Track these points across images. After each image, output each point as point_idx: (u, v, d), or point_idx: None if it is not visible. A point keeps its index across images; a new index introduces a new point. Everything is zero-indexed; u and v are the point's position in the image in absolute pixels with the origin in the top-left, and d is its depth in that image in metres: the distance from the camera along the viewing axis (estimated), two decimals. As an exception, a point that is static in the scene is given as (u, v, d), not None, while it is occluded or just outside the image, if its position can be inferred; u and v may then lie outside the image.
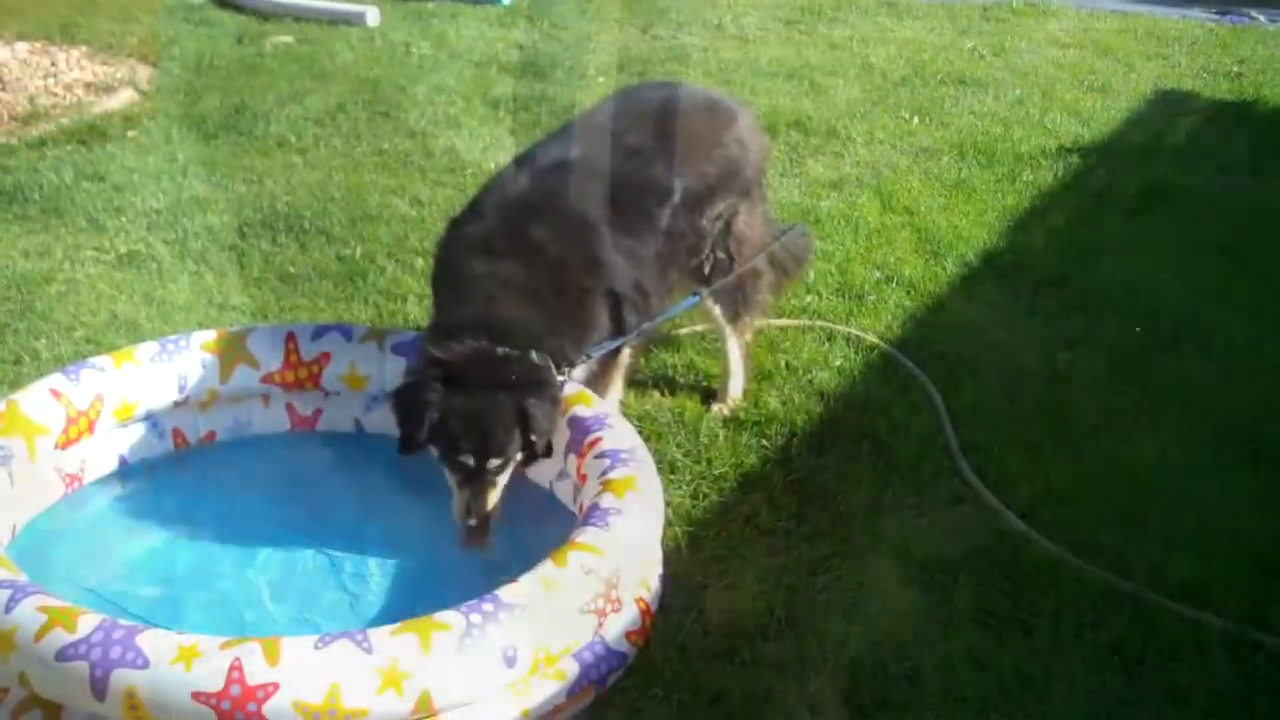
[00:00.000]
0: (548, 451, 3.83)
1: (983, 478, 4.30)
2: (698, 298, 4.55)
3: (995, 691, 3.40)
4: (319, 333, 4.27)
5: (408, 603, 3.45)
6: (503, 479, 3.78)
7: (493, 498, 3.75)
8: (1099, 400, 4.83)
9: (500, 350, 3.74)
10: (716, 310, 4.66)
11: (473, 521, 3.73)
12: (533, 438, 3.74)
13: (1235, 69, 9.72)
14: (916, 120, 8.05)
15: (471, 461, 3.70)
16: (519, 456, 3.78)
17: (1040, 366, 5.05)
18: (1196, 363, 5.15)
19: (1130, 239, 6.43)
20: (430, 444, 3.76)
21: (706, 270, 4.54)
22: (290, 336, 4.24)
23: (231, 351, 4.18)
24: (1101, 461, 4.45)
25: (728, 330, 4.71)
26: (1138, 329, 5.41)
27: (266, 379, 4.23)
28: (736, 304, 4.68)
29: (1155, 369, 5.08)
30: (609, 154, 4.25)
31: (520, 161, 4.28)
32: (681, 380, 4.94)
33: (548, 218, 4.03)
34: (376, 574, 3.74)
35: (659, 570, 3.68)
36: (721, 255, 4.53)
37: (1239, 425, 4.70)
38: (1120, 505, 4.20)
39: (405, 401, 3.79)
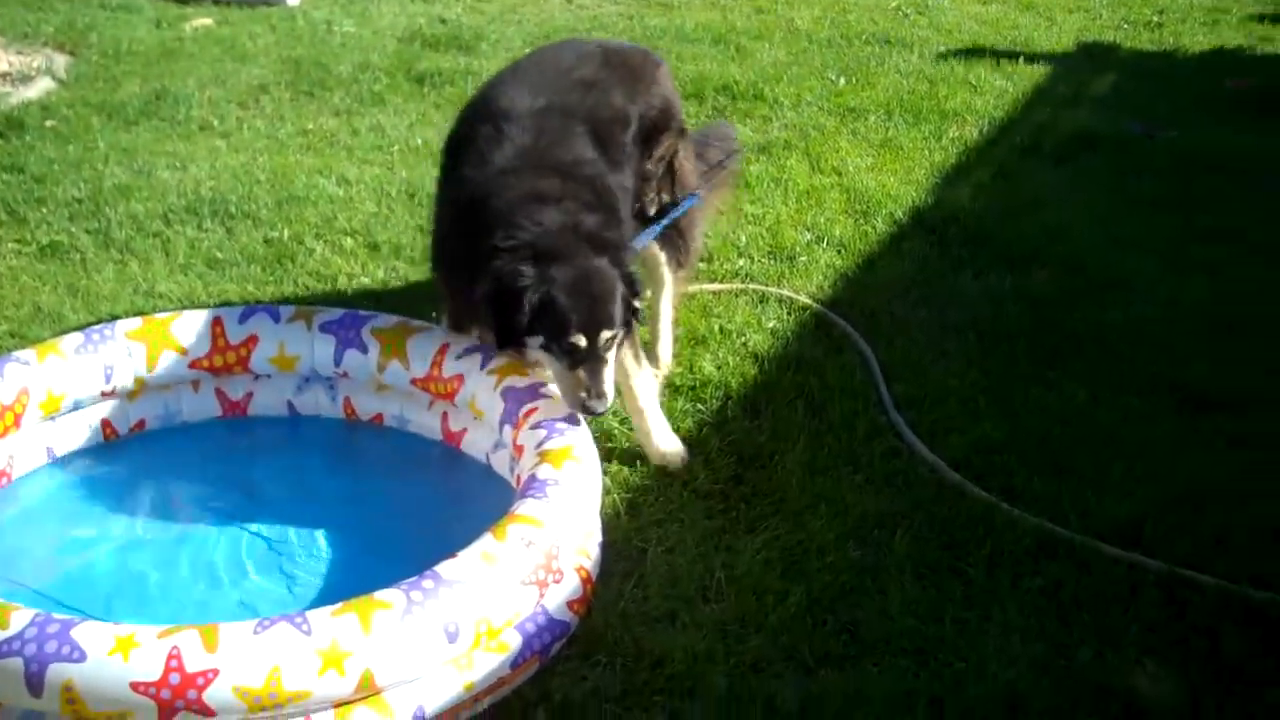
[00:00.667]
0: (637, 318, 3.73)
1: (917, 432, 4.34)
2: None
3: (934, 640, 3.45)
4: (245, 315, 4.23)
5: (347, 583, 3.44)
6: (613, 354, 3.66)
7: (609, 376, 3.60)
8: (1028, 351, 4.89)
9: (572, 219, 3.59)
10: (663, 258, 4.61)
11: (595, 398, 3.57)
12: (636, 304, 3.63)
13: (1155, 19, 9.84)
14: (843, 81, 8.08)
15: (584, 341, 3.55)
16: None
17: (970, 320, 5.10)
18: (1120, 310, 5.24)
19: (1055, 190, 6.51)
20: (531, 332, 3.58)
21: (651, 212, 4.51)
22: (217, 320, 4.20)
23: (157, 339, 4.12)
24: (1032, 411, 4.51)
25: (668, 280, 4.67)
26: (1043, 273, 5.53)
27: (194, 365, 4.18)
28: (679, 250, 4.66)
29: (1081, 317, 5.15)
30: (570, 90, 4.18)
31: (484, 116, 4.10)
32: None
33: (554, 155, 3.94)
34: (314, 556, 3.72)
35: (599, 538, 3.70)
36: (666, 197, 4.53)
37: (1163, 370, 4.78)
38: (1052, 453, 4.27)
39: (502, 286, 3.54)
